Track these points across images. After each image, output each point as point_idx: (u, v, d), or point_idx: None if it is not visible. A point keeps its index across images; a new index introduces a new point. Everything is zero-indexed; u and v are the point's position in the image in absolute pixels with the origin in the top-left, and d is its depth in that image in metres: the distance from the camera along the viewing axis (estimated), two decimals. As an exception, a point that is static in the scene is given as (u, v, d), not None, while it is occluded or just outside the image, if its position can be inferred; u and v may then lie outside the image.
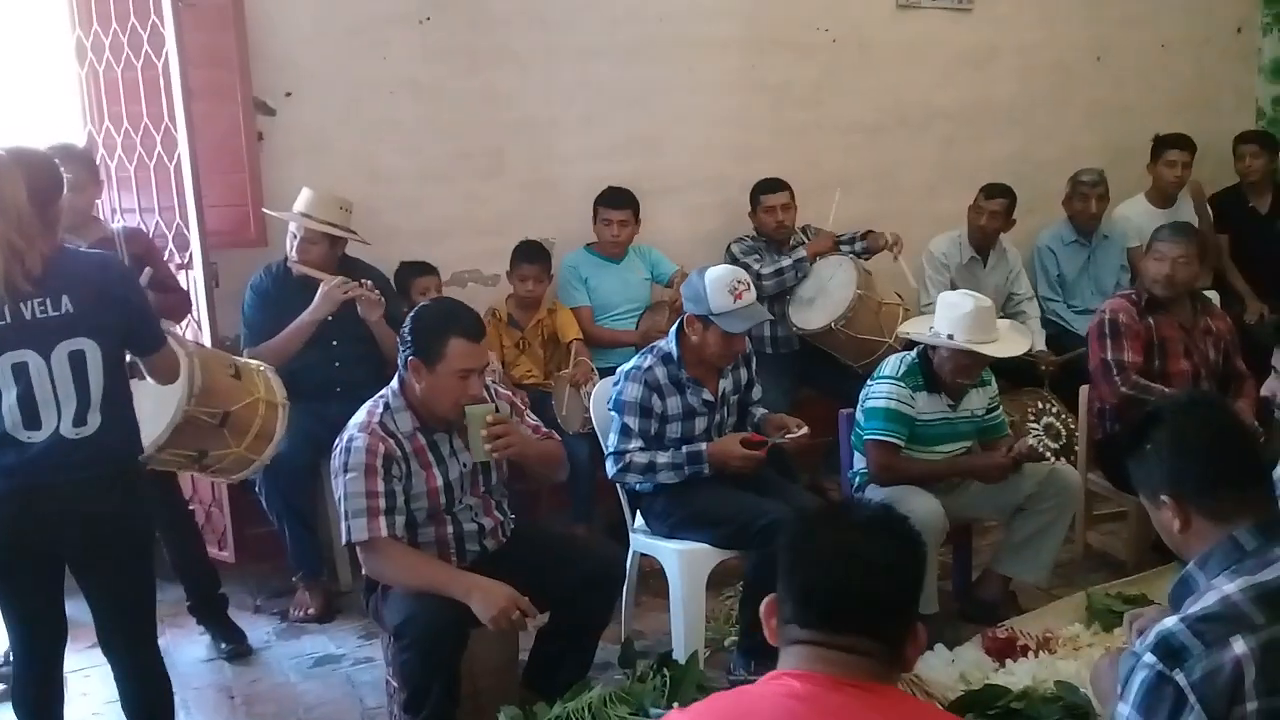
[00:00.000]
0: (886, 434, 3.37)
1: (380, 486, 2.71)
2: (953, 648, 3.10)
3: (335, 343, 3.86)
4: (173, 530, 3.53)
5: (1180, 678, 1.55)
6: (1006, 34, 5.35)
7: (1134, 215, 5.15)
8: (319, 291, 3.77)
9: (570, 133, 4.63)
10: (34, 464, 2.39)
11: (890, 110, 5.18)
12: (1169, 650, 1.57)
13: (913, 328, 3.61)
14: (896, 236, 4.52)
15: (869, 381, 3.51)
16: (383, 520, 2.70)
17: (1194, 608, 1.64)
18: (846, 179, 5.07)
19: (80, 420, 2.43)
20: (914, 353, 3.48)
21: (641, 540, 3.39)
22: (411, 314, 2.88)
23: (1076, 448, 3.43)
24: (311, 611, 3.74)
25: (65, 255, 2.48)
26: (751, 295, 3.24)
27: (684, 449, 3.24)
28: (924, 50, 5.20)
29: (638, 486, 3.32)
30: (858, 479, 3.54)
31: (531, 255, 4.31)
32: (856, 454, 3.57)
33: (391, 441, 2.76)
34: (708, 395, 3.30)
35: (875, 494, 3.42)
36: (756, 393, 3.49)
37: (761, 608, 1.56)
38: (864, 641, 1.47)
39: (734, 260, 4.33)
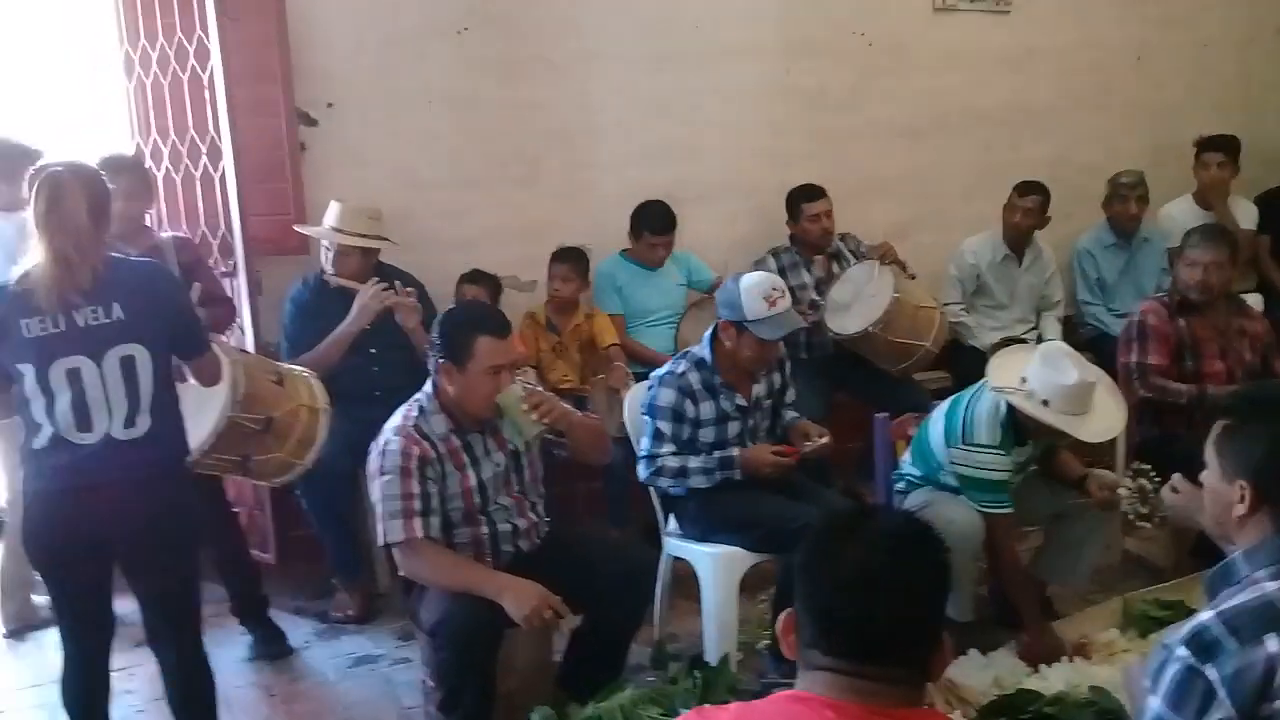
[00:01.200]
0: (1005, 505, 3.21)
1: (416, 488, 2.76)
2: (987, 652, 3.09)
3: (374, 349, 3.91)
4: (216, 532, 3.61)
5: (1211, 672, 1.54)
6: (1044, 36, 5.32)
7: (1179, 215, 5.08)
8: (356, 302, 3.83)
9: (605, 140, 4.67)
10: (86, 464, 2.48)
11: (927, 113, 5.16)
12: (1202, 644, 1.57)
13: (1002, 376, 3.24)
14: (886, 245, 4.50)
15: (963, 445, 3.20)
16: (418, 522, 2.75)
17: (1230, 601, 1.63)
18: (883, 183, 5.08)
19: (130, 422, 2.51)
20: (1004, 410, 3.19)
21: (674, 543, 3.41)
22: (438, 319, 2.94)
23: (1159, 514, 3.32)
24: (351, 612, 3.81)
25: (115, 263, 2.56)
26: (787, 302, 3.25)
27: (715, 454, 3.26)
28: (961, 53, 5.18)
29: (670, 490, 3.34)
30: (904, 482, 3.48)
31: (563, 256, 4.36)
32: (909, 463, 3.47)
33: (426, 444, 2.81)
34: (741, 400, 3.32)
35: (913, 499, 3.42)
36: (790, 396, 3.51)
37: (778, 624, 1.48)
38: (893, 670, 1.39)
39: None
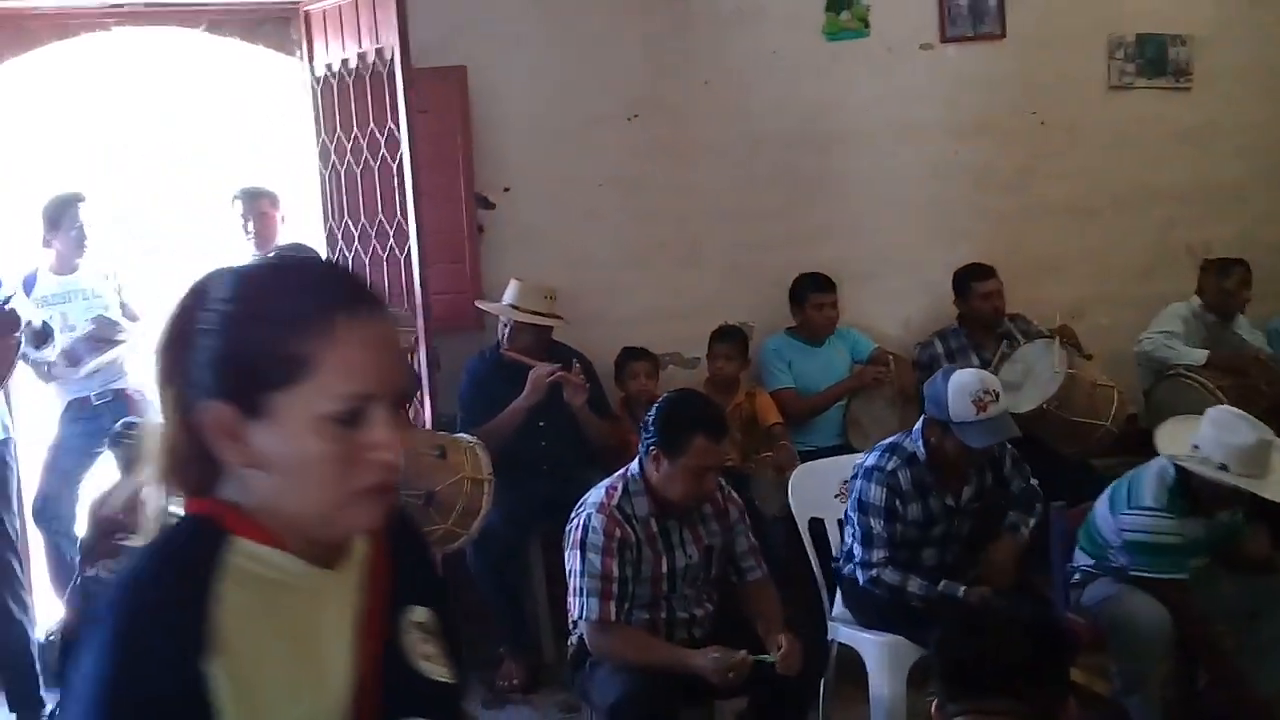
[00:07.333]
0: (1180, 572, 3.08)
1: (615, 571, 2.78)
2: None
3: (542, 423, 3.99)
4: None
5: None
6: (1228, 112, 5.12)
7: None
8: (529, 378, 3.93)
9: (767, 220, 4.71)
10: None
11: (1102, 192, 5.03)
12: None
13: (1174, 445, 3.15)
14: (1064, 326, 4.32)
15: (1129, 510, 3.13)
16: (613, 605, 2.77)
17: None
18: (1055, 262, 4.95)
19: None
20: (1172, 475, 3.12)
21: (841, 629, 3.34)
22: (658, 403, 2.94)
23: None
24: (516, 682, 3.85)
25: None
26: (1000, 406, 3.03)
27: (940, 586, 3.08)
28: (1138, 130, 5.04)
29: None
30: (1078, 574, 3.33)
31: (725, 335, 4.41)
32: (1079, 550, 3.34)
33: (627, 526, 2.82)
34: (950, 501, 3.19)
35: (1093, 592, 3.26)
36: (1015, 486, 3.33)
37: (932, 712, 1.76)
38: (1010, 704, 1.64)
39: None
